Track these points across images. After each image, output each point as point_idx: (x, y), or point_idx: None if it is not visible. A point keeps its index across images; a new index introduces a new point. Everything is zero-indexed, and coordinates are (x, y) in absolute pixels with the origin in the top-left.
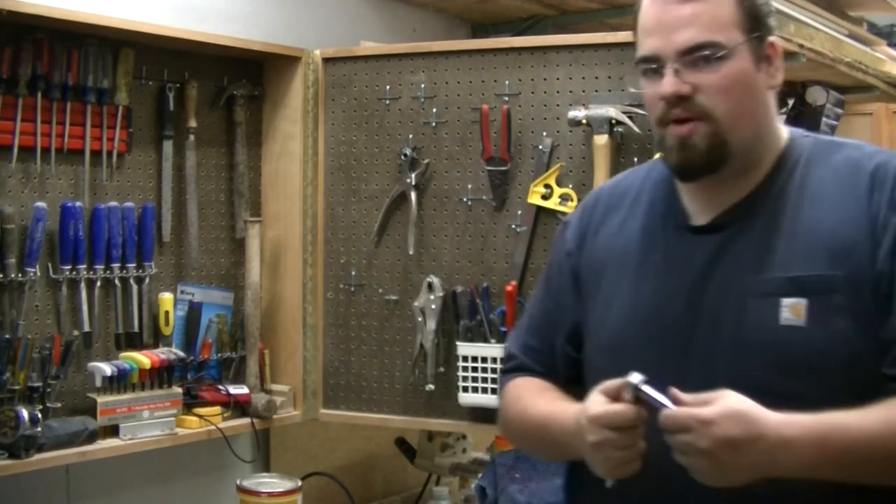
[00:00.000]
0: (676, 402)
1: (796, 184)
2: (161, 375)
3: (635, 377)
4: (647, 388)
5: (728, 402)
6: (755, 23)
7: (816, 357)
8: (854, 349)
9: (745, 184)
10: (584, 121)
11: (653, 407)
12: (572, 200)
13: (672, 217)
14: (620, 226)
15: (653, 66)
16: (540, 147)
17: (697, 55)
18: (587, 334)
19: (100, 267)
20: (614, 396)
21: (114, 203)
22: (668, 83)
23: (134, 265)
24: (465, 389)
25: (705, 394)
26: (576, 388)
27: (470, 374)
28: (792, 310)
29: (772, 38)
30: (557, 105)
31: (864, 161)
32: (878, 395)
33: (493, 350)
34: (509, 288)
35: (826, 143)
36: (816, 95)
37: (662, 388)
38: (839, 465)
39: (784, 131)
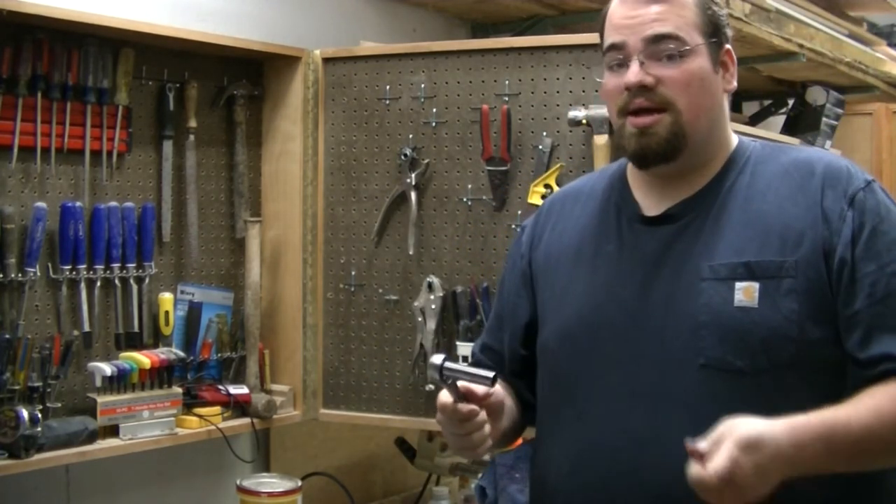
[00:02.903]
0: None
1: (746, 181)
2: (161, 375)
3: (436, 358)
4: (451, 365)
5: (738, 434)
6: (714, 28)
7: (767, 336)
8: (801, 328)
9: (696, 180)
10: (584, 121)
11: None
12: None
13: (625, 210)
14: (576, 221)
15: (619, 57)
16: (540, 147)
17: (662, 48)
18: (543, 322)
19: (100, 267)
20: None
21: (114, 203)
22: (634, 73)
23: (134, 265)
24: None
25: (713, 434)
26: (517, 381)
27: None
28: (745, 292)
29: (728, 46)
30: (557, 105)
31: (813, 160)
32: (823, 371)
33: None
34: None
35: (773, 147)
36: (816, 95)
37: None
38: (840, 459)
39: (734, 136)
